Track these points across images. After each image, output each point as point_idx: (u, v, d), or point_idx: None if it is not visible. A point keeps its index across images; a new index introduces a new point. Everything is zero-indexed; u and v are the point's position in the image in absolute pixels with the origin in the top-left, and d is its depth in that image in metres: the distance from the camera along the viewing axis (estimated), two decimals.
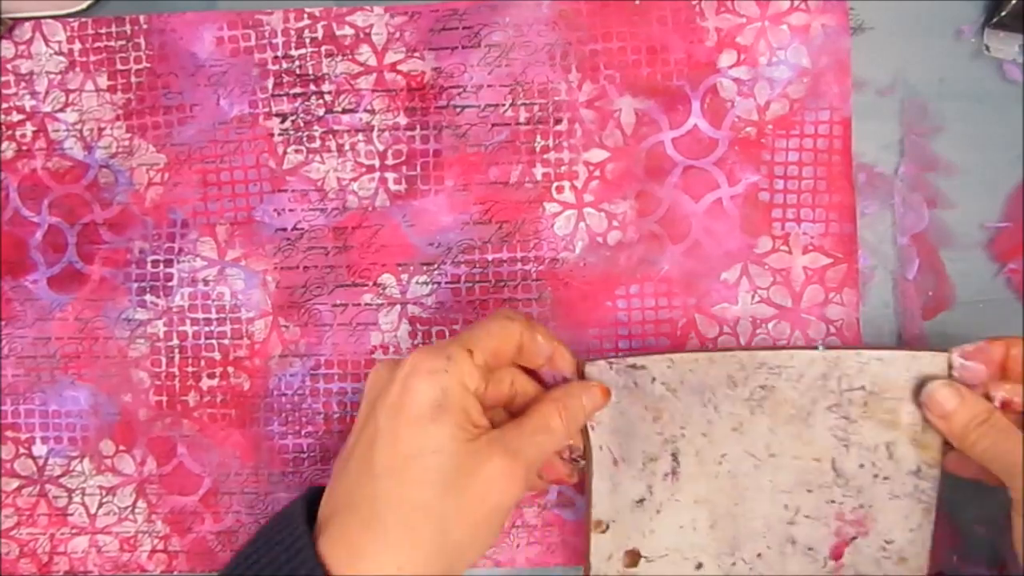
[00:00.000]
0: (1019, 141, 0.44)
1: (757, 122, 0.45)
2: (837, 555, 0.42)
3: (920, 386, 0.40)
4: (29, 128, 0.47)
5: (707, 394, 0.41)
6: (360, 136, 0.46)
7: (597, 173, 0.45)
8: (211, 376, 0.46)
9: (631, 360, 0.41)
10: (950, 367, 0.39)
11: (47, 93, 0.47)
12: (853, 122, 0.44)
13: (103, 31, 0.47)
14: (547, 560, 0.45)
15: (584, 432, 0.42)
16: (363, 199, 0.46)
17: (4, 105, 0.47)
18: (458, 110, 0.46)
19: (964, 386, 0.39)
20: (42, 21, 0.47)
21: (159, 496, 0.46)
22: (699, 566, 0.42)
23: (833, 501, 0.42)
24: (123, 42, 0.47)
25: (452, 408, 0.34)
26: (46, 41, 0.47)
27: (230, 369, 0.46)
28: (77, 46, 0.47)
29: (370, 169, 0.46)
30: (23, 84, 0.47)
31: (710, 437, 0.42)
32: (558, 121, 0.45)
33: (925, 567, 0.41)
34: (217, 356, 0.46)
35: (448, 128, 0.46)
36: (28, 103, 0.47)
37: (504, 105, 0.45)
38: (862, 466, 0.41)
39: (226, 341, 0.46)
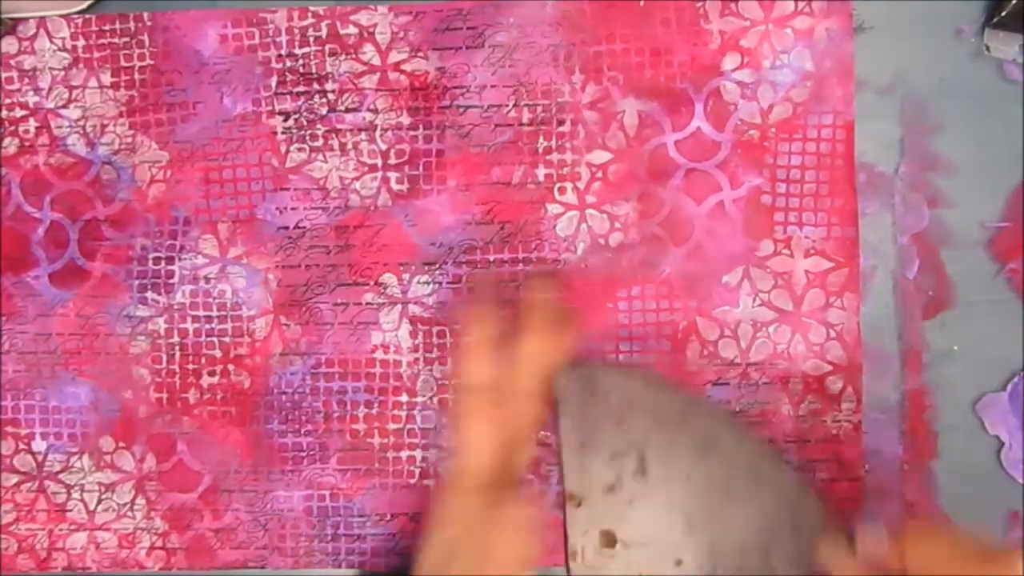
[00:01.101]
0: (1019, 141, 0.44)
1: (760, 125, 0.45)
2: None
3: None
4: (32, 124, 0.47)
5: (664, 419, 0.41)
6: (363, 135, 0.46)
7: (599, 174, 0.45)
8: (211, 374, 0.46)
9: (587, 370, 0.40)
10: None
11: (50, 89, 0.47)
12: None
13: (107, 28, 0.47)
14: (547, 560, 0.45)
15: (553, 407, 0.41)
16: (365, 198, 0.46)
17: (7, 101, 0.47)
18: (461, 110, 0.46)
19: None
20: (46, 18, 0.47)
21: (158, 493, 0.46)
22: (679, 563, 0.42)
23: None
24: (127, 39, 0.47)
25: None
26: (50, 37, 0.47)
27: (230, 367, 0.46)
28: (81, 43, 0.47)
29: (372, 168, 0.46)
30: (26, 80, 0.47)
31: (675, 453, 0.41)
32: (561, 122, 0.45)
33: None
34: (218, 354, 0.46)
35: (451, 128, 0.46)
36: (31, 99, 0.47)
37: (507, 106, 0.45)
38: None
39: (227, 339, 0.46)
